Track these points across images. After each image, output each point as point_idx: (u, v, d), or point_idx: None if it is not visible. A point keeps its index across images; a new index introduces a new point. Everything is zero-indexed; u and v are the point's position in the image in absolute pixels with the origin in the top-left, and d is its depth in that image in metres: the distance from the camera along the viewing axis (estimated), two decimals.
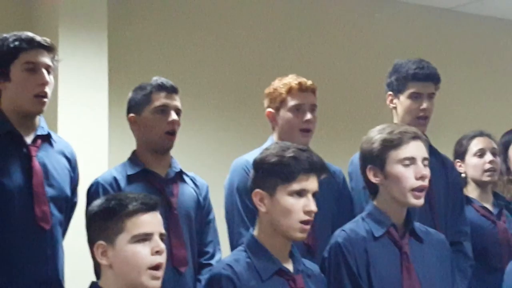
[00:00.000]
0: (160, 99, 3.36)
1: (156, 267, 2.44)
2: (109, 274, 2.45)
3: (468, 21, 6.85)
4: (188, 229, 3.38)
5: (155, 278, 2.44)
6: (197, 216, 3.46)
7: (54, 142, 3.23)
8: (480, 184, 4.05)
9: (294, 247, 2.87)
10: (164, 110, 3.35)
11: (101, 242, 2.43)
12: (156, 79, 3.43)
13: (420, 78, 3.71)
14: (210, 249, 3.46)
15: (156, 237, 2.46)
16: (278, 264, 2.76)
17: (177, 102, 3.42)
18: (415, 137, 3.05)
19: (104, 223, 2.45)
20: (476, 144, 4.08)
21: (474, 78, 6.72)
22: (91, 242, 2.48)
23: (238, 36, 5.86)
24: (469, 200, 3.97)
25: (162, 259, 2.47)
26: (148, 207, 2.48)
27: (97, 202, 2.59)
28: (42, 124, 3.19)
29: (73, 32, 4.97)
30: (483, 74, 6.82)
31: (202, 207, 3.50)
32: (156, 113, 3.35)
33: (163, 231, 2.53)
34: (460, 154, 4.11)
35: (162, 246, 2.47)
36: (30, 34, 3.15)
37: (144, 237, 2.43)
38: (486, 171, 4.03)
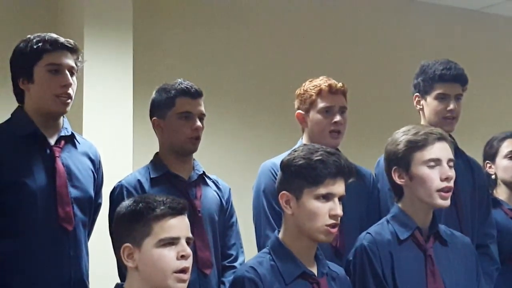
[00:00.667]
0: (185, 105, 3.37)
1: (182, 271, 2.46)
2: (134, 276, 2.48)
3: (495, 22, 6.81)
4: (212, 232, 3.39)
5: (181, 281, 2.47)
6: (220, 219, 3.47)
7: (78, 143, 3.24)
8: (510, 186, 4.02)
9: (319, 249, 2.88)
10: (188, 116, 3.36)
11: (128, 244, 2.46)
12: (181, 82, 3.44)
13: (447, 79, 3.70)
14: (234, 252, 3.47)
15: (183, 242, 2.49)
16: (302, 267, 2.77)
17: (201, 107, 3.43)
18: (441, 138, 3.06)
19: (131, 226, 2.48)
20: (507, 146, 4.07)
21: (503, 79, 6.69)
22: (117, 244, 2.51)
23: (263, 36, 5.87)
24: (498, 203, 3.96)
25: (188, 263, 2.49)
26: (175, 211, 2.51)
27: (124, 204, 2.61)
28: (65, 125, 3.20)
29: (99, 33, 4.97)
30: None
31: (225, 210, 3.52)
32: (180, 118, 3.36)
33: (190, 235, 2.55)
34: (490, 155, 4.10)
35: (188, 251, 2.49)
36: (54, 35, 3.15)
37: (171, 241, 2.46)
38: None
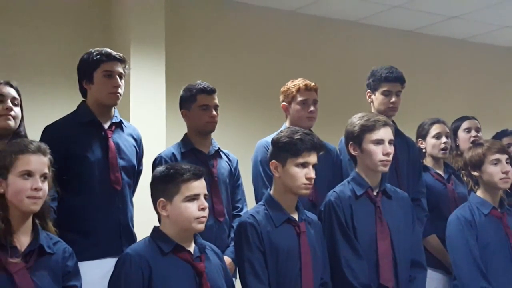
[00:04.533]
0: (203, 99, 3.37)
1: (201, 218, 2.47)
2: (167, 222, 2.49)
3: (424, 41, 6.76)
4: (225, 191, 3.39)
5: (200, 223, 2.48)
6: (230, 182, 3.46)
7: (124, 127, 3.22)
8: (435, 157, 4.01)
9: (299, 202, 2.87)
10: (206, 108, 3.36)
11: (162, 199, 2.47)
12: (200, 83, 3.44)
13: (390, 80, 3.67)
14: (240, 205, 3.47)
15: (202, 197, 2.50)
16: (287, 214, 2.77)
17: (215, 100, 3.42)
18: (385, 124, 3.05)
19: (165, 186, 2.48)
20: (434, 129, 4.02)
21: (432, 82, 6.65)
22: (155, 198, 2.51)
23: (263, 56, 5.83)
24: (426, 168, 3.94)
25: (205, 213, 2.50)
26: (197, 176, 2.51)
27: (159, 169, 2.61)
28: (116, 114, 3.19)
29: (141, 49, 4.95)
30: (436, 79, 6.74)
31: (234, 175, 3.51)
32: (200, 109, 3.36)
33: (206, 192, 2.56)
34: (422, 135, 4.06)
35: (206, 204, 2.50)
36: (108, 50, 3.13)
37: (194, 197, 2.47)
38: (441, 150, 3.98)
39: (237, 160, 3.58)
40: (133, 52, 4.89)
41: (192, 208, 2.44)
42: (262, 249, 2.66)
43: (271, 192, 2.83)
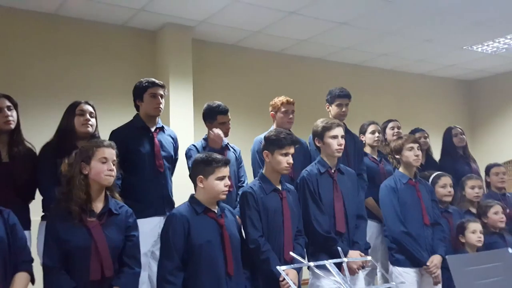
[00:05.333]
0: (221, 118, 3.28)
1: (225, 191, 2.46)
2: (201, 191, 2.45)
3: (366, 73, 6.73)
4: (233, 171, 3.32)
5: (224, 194, 2.46)
6: (236, 164, 3.41)
7: (165, 130, 3.19)
8: (371, 146, 3.97)
9: (282, 177, 2.84)
10: (222, 123, 3.28)
11: (201, 176, 2.44)
12: (219, 104, 3.32)
13: (342, 96, 3.64)
14: (243, 179, 3.41)
15: (227, 178, 2.47)
16: (274, 186, 2.75)
17: (228, 117, 3.33)
18: (338, 125, 3.03)
19: (204, 167, 2.44)
20: (371, 128, 3.98)
21: (369, 100, 6.64)
22: (195, 174, 2.46)
23: (263, 82, 5.83)
24: (366, 154, 3.90)
25: (227, 188, 2.47)
26: (226, 164, 2.49)
27: (201, 155, 2.54)
28: (159, 121, 3.16)
29: (176, 78, 4.94)
30: (372, 97, 6.72)
31: (238, 160, 3.46)
32: (219, 124, 3.27)
33: (229, 174, 2.51)
34: (363, 132, 4.03)
35: (229, 183, 2.48)
36: (153, 79, 3.12)
37: (222, 178, 2.44)
38: (375, 141, 3.95)
39: (240, 150, 3.53)
40: (171, 80, 4.88)
41: (221, 185, 2.43)
42: (258, 209, 2.65)
43: (263, 171, 2.81)
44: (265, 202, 2.67)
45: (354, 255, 2.75)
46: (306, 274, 3.11)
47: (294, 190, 2.89)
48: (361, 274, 2.93)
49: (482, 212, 3.57)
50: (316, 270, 1.68)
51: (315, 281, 2.77)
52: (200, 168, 2.45)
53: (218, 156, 2.52)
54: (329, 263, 1.54)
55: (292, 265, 1.62)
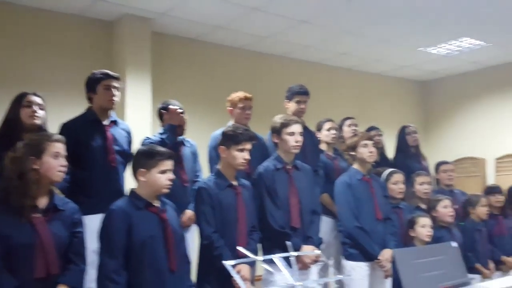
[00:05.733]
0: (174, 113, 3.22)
1: (168, 185, 2.37)
2: (143, 185, 2.35)
3: (322, 70, 6.79)
4: (189, 166, 3.30)
5: (167, 189, 2.36)
6: (192, 158, 3.38)
7: (119, 124, 3.10)
8: (327, 143, 4.01)
9: (238, 173, 2.81)
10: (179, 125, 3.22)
11: (143, 169, 2.34)
12: (174, 102, 3.30)
13: (301, 93, 3.65)
14: (198, 174, 3.37)
15: (170, 172, 2.38)
16: (229, 182, 2.71)
17: (184, 117, 3.26)
18: (296, 122, 3.03)
19: (147, 160, 2.34)
20: (327, 125, 4.01)
21: (326, 96, 6.70)
22: (136, 167, 2.37)
23: (223, 77, 5.79)
24: (322, 151, 3.93)
25: (171, 182, 2.38)
26: (170, 157, 2.39)
27: (143, 148, 2.48)
28: (113, 115, 3.06)
29: (134, 70, 4.85)
30: (329, 94, 6.78)
31: (194, 154, 3.42)
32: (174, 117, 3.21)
33: (172, 168, 2.41)
34: (319, 129, 4.05)
35: (172, 176, 2.39)
36: (107, 70, 3.03)
37: (165, 171, 2.35)
38: (331, 138, 3.99)
39: (196, 145, 3.48)
40: (128, 73, 4.79)
41: (163, 179, 2.34)
42: (212, 205, 2.60)
43: (219, 167, 2.77)
44: (219, 197, 2.63)
45: (308, 250, 2.77)
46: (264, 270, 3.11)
47: (250, 186, 2.86)
48: (314, 269, 2.95)
49: (431, 206, 3.68)
50: (263, 265, 1.67)
51: (268, 276, 2.77)
52: (142, 161, 2.35)
53: (162, 148, 2.45)
54: (276, 257, 1.54)
55: (238, 260, 1.60)
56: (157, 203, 2.37)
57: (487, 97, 7.05)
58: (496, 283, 2.26)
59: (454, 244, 2.26)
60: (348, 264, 3.24)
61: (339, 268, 3.71)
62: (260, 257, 1.61)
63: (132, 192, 2.38)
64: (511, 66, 6.72)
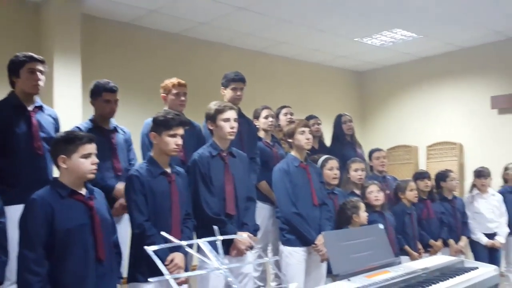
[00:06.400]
0: (106, 95, 3.16)
1: (93, 170, 2.29)
2: (65, 173, 2.25)
3: (263, 59, 6.84)
4: (123, 153, 3.23)
5: (91, 174, 2.28)
6: (126, 147, 3.30)
7: (45, 110, 2.97)
8: (266, 131, 4.04)
9: (172, 160, 2.77)
10: (108, 100, 3.17)
11: (63, 156, 2.24)
12: (108, 81, 3.21)
13: (237, 80, 3.66)
14: (133, 162, 3.29)
15: (93, 156, 2.29)
16: (163, 169, 2.67)
17: (116, 96, 3.22)
18: (231, 108, 3.03)
19: (66, 146, 2.24)
20: (264, 112, 4.03)
21: (264, 85, 6.77)
22: (56, 155, 2.27)
23: (159, 64, 5.66)
24: (260, 138, 3.97)
25: (95, 166, 2.30)
26: (90, 141, 2.29)
27: (61, 133, 2.37)
28: (37, 100, 2.94)
29: (62, 53, 4.67)
30: (268, 83, 6.87)
31: (128, 142, 3.34)
32: (103, 102, 3.16)
33: (96, 152, 2.32)
34: (257, 116, 4.07)
35: (96, 160, 2.30)
36: (31, 53, 2.89)
37: (88, 155, 2.26)
38: (268, 125, 4.02)
39: (130, 132, 3.40)
40: (57, 57, 4.59)
41: (87, 163, 2.25)
42: (144, 193, 2.56)
43: (152, 154, 2.72)
44: (152, 185, 2.58)
45: (244, 237, 2.80)
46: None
47: (185, 173, 2.84)
48: (250, 256, 2.99)
49: (362, 193, 3.85)
50: (188, 249, 1.67)
51: (203, 264, 2.77)
52: (61, 147, 2.25)
53: (81, 132, 2.37)
54: (201, 241, 1.54)
55: (161, 245, 1.59)
56: (82, 191, 2.29)
57: (420, 88, 7.40)
58: (420, 263, 2.40)
59: (381, 226, 2.36)
60: (285, 250, 3.30)
61: (277, 254, 3.79)
62: (184, 242, 1.61)
63: (55, 180, 2.29)
64: (442, 58, 7.07)
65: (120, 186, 2.99)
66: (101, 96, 3.15)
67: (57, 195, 2.20)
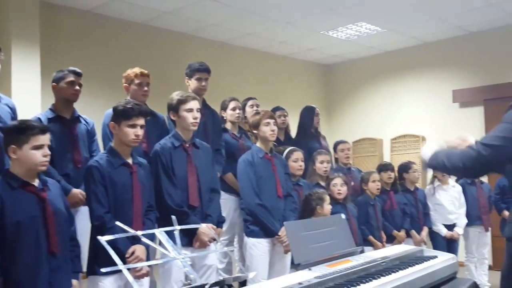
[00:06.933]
0: (71, 77, 3.12)
1: (44, 162, 2.22)
2: (16, 164, 2.20)
3: (226, 50, 6.81)
4: (84, 145, 3.17)
5: (43, 165, 2.22)
6: (88, 138, 3.24)
7: (1, 99, 2.86)
8: (232, 123, 4.04)
9: (134, 150, 2.72)
10: (72, 82, 3.12)
11: (13, 146, 2.18)
12: (73, 69, 3.17)
13: (201, 70, 3.64)
14: (95, 154, 3.20)
15: (46, 147, 2.23)
16: (123, 160, 2.63)
17: (80, 80, 3.17)
18: (194, 98, 3.01)
19: (17, 136, 2.18)
20: (231, 104, 4.03)
21: (232, 76, 6.74)
22: (7, 145, 2.20)
23: (122, 54, 5.56)
24: (226, 130, 3.97)
25: (47, 158, 2.24)
26: (43, 131, 2.23)
27: (13, 123, 2.29)
28: None
29: (20, 41, 4.53)
30: (234, 75, 6.85)
31: (91, 133, 3.28)
32: (68, 84, 3.11)
33: (49, 143, 2.27)
34: (224, 108, 4.07)
35: (48, 152, 2.24)
36: None
37: (40, 147, 2.20)
38: (235, 117, 4.02)
39: (93, 123, 3.34)
40: (14, 46, 4.45)
41: (38, 155, 2.19)
42: (104, 184, 2.52)
43: (112, 144, 2.67)
44: (112, 176, 2.55)
45: (207, 229, 2.78)
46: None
47: (147, 164, 2.80)
48: (214, 248, 2.98)
49: (327, 184, 3.90)
50: (144, 239, 1.65)
51: (163, 256, 2.74)
52: (12, 137, 2.19)
53: (34, 122, 2.30)
54: (159, 231, 1.52)
55: (115, 235, 1.56)
56: (35, 182, 2.23)
57: (384, 81, 7.54)
58: (380, 252, 2.45)
59: (343, 216, 2.40)
60: (249, 241, 3.32)
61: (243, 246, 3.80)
62: (140, 232, 1.59)
63: (7, 171, 2.22)
64: (405, 52, 7.22)
65: (76, 191, 2.96)
66: (65, 78, 3.11)
67: (8, 186, 2.14)
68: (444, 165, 1.98)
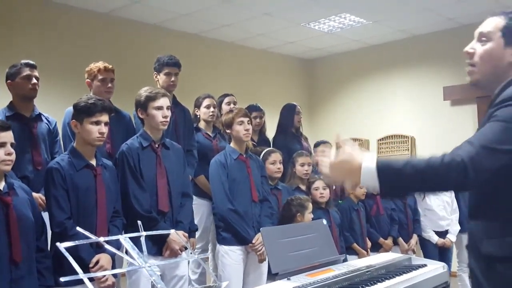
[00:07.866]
0: (26, 71, 3.14)
1: (7, 161, 2.24)
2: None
3: (205, 44, 6.86)
4: (44, 144, 3.20)
5: (6, 165, 2.25)
6: (49, 138, 3.27)
7: None
8: (207, 122, 4.08)
9: (98, 151, 2.76)
10: (28, 76, 3.14)
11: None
12: (26, 61, 3.18)
13: (171, 64, 3.68)
14: (56, 155, 3.21)
15: (8, 145, 2.26)
16: (87, 161, 2.67)
17: (36, 73, 3.19)
18: (164, 95, 3.06)
19: None
20: (206, 102, 4.07)
21: (206, 71, 6.79)
22: None
23: (85, 46, 5.56)
24: (199, 129, 4.01)
25: (11, 157, 2.27)
26: (4, 128, 2.27)
27: None
28: None
29: None
30: (208, 69, 6.90)
31: (53, 133, 3.31)
32: (24, 79, 3.13)
33: (13, 141, 2.31)
34: (197, 105, 4.11)
35: (11, 150, 2.27)
36: None
37: (1, 144, 2.23)
38: (209, 116, 4.05)
39: (56, 122, 3.37)
40: None
41: None
42: (65, 187, 2.55)
43: (74, 144, 2.70)
44: (74, 179, 2.58)
45: (178, 236, 2.82)
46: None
47: (112, 166, 2.85)
48: (185, 256, 3.03)
49: (308, 187, 3.98)
50: (108, 246, 1.69)
51: (130, 265, 2.78)
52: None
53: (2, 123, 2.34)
54: (124, 237, 1.57)
55: (75, 242, 1.60)
56: (1, 185, 2.26)
57: (370, 77, 7.67)
58: (365, 260, 2.50)
59: (325, 221, 2.46)
60: (221, 249, 3.36)
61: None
62: (101, 238, 1.63)
63: None
64: (393, 46, 7.35)
65: (35, 195, 2.95)
66: (20, 73, 3.13)
67: None
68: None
